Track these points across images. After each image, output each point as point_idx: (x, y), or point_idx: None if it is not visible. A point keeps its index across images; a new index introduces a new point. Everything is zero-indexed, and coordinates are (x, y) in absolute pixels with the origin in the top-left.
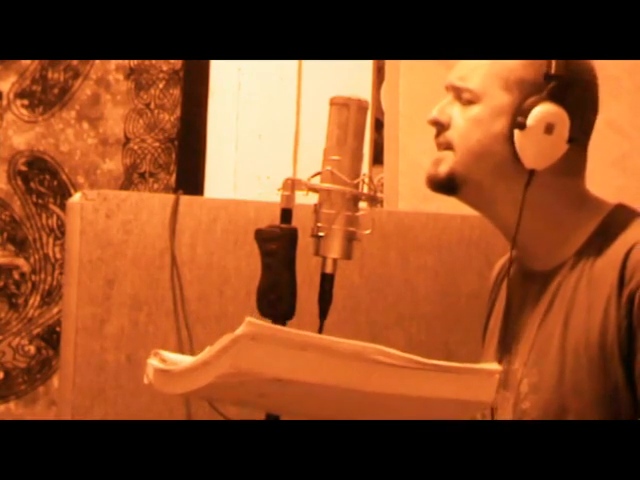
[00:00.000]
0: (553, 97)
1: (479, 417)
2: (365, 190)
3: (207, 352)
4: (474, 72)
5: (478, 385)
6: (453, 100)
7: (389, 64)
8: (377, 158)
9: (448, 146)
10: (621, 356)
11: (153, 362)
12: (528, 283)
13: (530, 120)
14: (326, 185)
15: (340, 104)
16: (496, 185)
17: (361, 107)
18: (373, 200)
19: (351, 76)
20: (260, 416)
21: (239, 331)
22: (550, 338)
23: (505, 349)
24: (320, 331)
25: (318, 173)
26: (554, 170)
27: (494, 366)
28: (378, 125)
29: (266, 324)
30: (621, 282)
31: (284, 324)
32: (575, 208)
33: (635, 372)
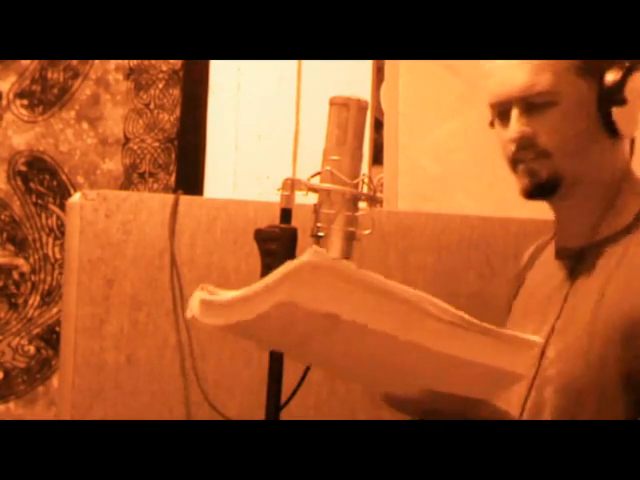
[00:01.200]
0: (635, 65)
1: None
2: (365, 190)
3: (263, 281)
4: (538, 76)
5: (516, 355)
6: (521, 113)
7: (388, 64)
8: (377, 158)
9: (542, 154)
10: None
11: (201, 294)
12: (561, 259)
13: (629, 93)
14: (326, 185)
15: (340, 104)
16: (592, 170)
17: (361, 107)
18: (373, 200)
19: (350, 76)
20: (260, 416)
21: (303, 258)
22: (582, 307)
23: (531, 321)
24: None
25: (318, 173)
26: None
27: (535, 338)
28: (378, 125)
29: (329, 256)
30: None
31: None
32: (622, 184)
33: None
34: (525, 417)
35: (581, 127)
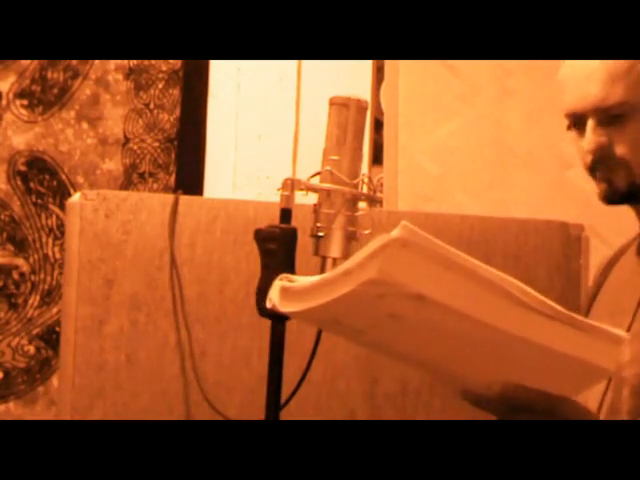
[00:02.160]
0: None
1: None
2: (364, 190)
3: (350, 260)
4: (612, 87)
5: (602, 349)
6: (597, 124)
7: (388, 64)
8: (376, 158)
9: (619, 164)
10: None
11: (280, 283)
12: None
13: None
14: (325, 185)
15: (339, 104)
16: None
17: (360, 107)
18: (372, 200)
19: (350, 76)
20: (260, 415)
21: (394, 234)
22: None
23: (608, 321)
24: (319, 332)
25: (317, 173)
26: None
27: (622, 332)
28: (377, 125)
29: (420, 232)
30: None
31: (283, 324)
32: None
33: None
34: (601, 418)
35: None
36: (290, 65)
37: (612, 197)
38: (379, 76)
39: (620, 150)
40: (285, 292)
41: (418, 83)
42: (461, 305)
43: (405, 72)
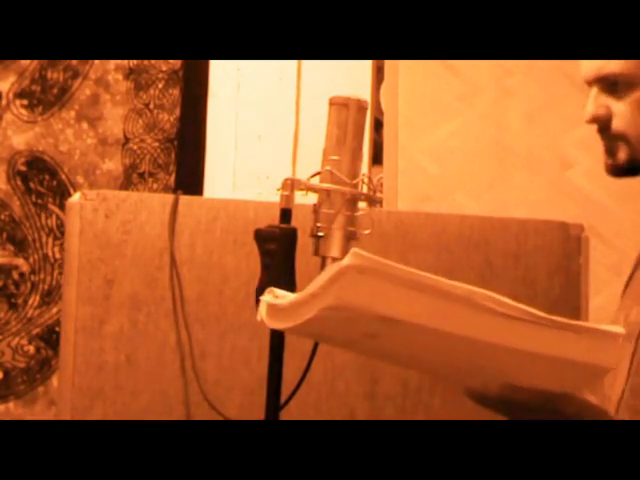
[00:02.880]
0: None
1: None
2: (364, 190)
3: (313, 284)
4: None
5: (599, 347)
6: (600, 92)
7: (388, 64)
8: (376, 158)
9: (620, 137)
10: None
11: (266, 298)
12: None
13: None
14: (325, 185)
15: (339, 104)
16: None
17: (360, 107)
18: (372, 200)
19: (350, 76)
20: (260, 415)
21: (345, 262)
22: None
23: (637, 302)
24: None
25: (317, 173)
26: None
27: (617, 329)
28: (377, 125)
29: (374, 257)
30: None
31: None
32: None
33: None
34: (624, 402)
35: None
36: (290, 65)
37: (615, 170)
38: (379, 76)
39: (617, 124)
40: (270, 309)
41: (418, 83)
42: (429, 321)
43: (405, 72)
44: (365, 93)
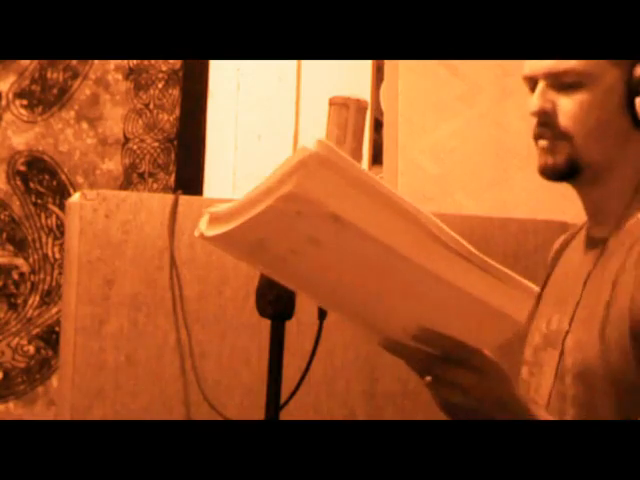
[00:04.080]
0: None
1: (524, 375)
2: None
3: (270, 175)
4: None
5: (516, 299)
6: (548, 87)
7: (388, 64)
8: (376, 158)
9: (561, 135)
10: None
11: (208, 209)
12: (588, 249)
13: None
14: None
15: (339, 104)
16: (617, 160)
17: (360, 107)
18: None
19: (350, 76)
20: (260, 415)
21: (310, 149)
22: (598, 297)
23: (558, 309)
24: (319, 332)
25: None
26: None
27: (533, 286)
28: (377, 125)
29: (339, 151)
30: None
31: (283, 324)
32: None
33: None
34: (551, 406)
35: (606, 115)
36: (290, 65)
37: (551, 172)
38: (379, 76)
39: (564, 121)
40: (212, 217)
41: (418, 83)
42: (376, 231)
43: (405, 72)
44: (365, 93)
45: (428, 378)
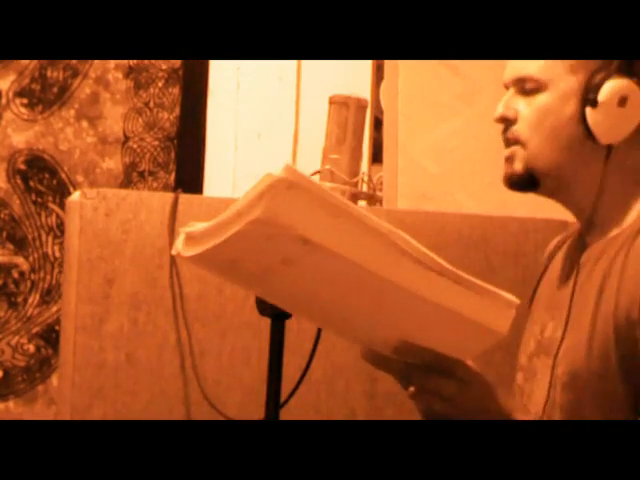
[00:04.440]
0: (621, 70)
1: (519, 381)
2: (364, 189)
3: (239, 200)
4: (534, 62)
5: (495, 311)
6: (515, 94)
7: (388, 63)
8: (376, 157)
9: (517, 140)
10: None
11: (185, 229)
12: (580, 255)
13: (602, 96)
14: (325, 184)
15: (339, 103)
16: (573, 169)
17: (360, 106)
18: (372, 199)
19: (350, 75)
20: (259, 414)
21: (278, 175)
22: (586, 305)
23: (550, 316)
24: (319, 331)
25: (317, 172)
26: (624, 143)
27: (513, 298)
28: (377, 124)
29: (305, 175)
30: None
31: (283, 323)
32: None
33: None
34: (546, 415)
35: (560, 122)
36: (290, 64)
37: (509, 181)
38: (379, 75)
39: (520, 127)
40: (187, 237)
41: (418, 82)
42: (345, 251)
43: (405, 71)
44: (365, 92)
45: (411, 389)
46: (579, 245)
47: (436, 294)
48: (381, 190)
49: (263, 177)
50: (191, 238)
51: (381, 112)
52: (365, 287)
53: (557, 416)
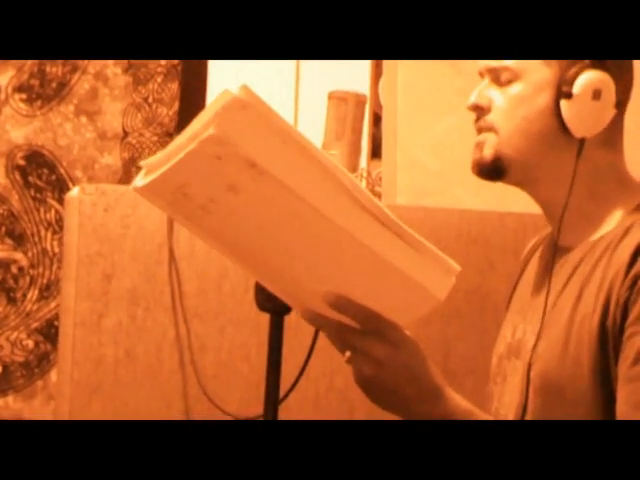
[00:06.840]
0: (594, 63)
1: (490, 383)
2: (363, 184)
3: (196, 119)
4: None
5: (434, 275)
6: (490, 83)
7: None
8: (375, 152)
9: (490, 129)
10: (614, 333)
11: (143, 163)
12: (555, 257)
13: (576, 88)
14: None
15: (338, 98)
16: (543, 161)
17: (359, 101)
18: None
19: (349, 71)
20: (259, 410)
21: (233, 94)
22: (562, 310)
23: (522, 319)
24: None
25: None
26: (597, 142)
27: (455, 265)
28: (376, 119)
29: (260, 98)
30: (632, 261)
31: (282, 319)
32: (616, 184)
33: (620, 351)
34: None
35: (533, 113)
36: (289, 63)
37: (477, 167)
38: (378, 70)
39: (494, 115)
40: (147, 169)
41: (417, 77)
42: (291, 182)
43: (404, 66)
44: (364, 87)
45: (347, 354)
46: (553, 248)
47: (376, 243)
48: (380, 186)
49: (219, 95)
50: (148, 166)
51: (380, 108)
52: (306, 224)
53: (528, 419)
